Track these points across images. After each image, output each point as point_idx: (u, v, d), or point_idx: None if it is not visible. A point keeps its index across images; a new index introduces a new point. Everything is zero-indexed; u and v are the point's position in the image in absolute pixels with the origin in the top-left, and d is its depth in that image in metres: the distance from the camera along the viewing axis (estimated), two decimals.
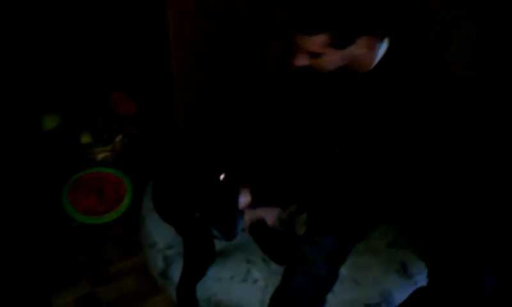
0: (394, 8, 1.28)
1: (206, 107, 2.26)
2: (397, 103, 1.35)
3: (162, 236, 1.76)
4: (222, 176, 1.50)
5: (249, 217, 1.55)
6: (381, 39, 1.30)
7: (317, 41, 1.24)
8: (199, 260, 1.60)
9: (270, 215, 1.56)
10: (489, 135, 1.79)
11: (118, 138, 2.34)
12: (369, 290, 1.52)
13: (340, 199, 1.50)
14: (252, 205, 1.54)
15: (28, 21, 2.27)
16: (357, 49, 1.28)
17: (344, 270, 1.51)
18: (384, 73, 1.35)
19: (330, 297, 1.47)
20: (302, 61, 1.31)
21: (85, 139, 2.42)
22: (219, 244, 1.63)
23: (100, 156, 2.37)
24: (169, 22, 2.02)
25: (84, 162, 2.33)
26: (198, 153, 1.72)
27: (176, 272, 1.65)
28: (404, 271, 1.55)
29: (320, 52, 1.27)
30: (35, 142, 2.38)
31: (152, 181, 1.85)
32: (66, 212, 2.10)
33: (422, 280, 1.50)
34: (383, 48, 1.34)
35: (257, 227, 1.57)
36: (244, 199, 1.52)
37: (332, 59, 1.29)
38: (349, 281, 1.52)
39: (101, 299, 1.82)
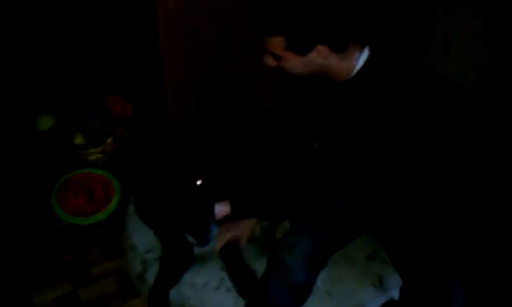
0: (345, 20, 1.29)
1: (198, 111, 2.25)
2: (375, 111, 1.34)
3: (142, 239, 1.76)
4: (199, 182, 1.49)
5: (222, 237, 1.55)
6: (337, 51, 1.30)
7: (274, 43, 1.29)
8: (175, 264, 1.59)
9: (246, 227, 1.54)
10: (474, 142, 1.75)
11: (110, 140, 2.36)
12: (342, 302, 1.49)
13: (319, 202, 1.48)
14: (231, 217, 1.53)
15: (25, 23, 2.30)
16: (318, 57, 1.30)
17: (318, 280, 1.49)
18: (364, 82, 1.34)
19: None
20: (268, 61, 1.36)
21: (78, 140, 2.44)
22: (196, 250, 1.63)
23: (92, 157, 2.38)
24: (160, 22, 2.03)
25: (75, 163, 2.35)
26: (181, 157, 1.72)
27: (153, 275, 1.64)
28: (380, 285, 1.51)
29: (279, 54, 1.31)
30: (30, 142, 2.41)
31: (134, 183, 1.85)
32: (55, 212, 2.13)
33: (397, 294, 1.46)
34: (362, 57, 1.34)
35: (228, 250, 1.57)
36: (222, 209, 1.51)
37: (294, 63, 1.32)
38: (322, 292, 1.49)
39: (81, 299, 1.83)
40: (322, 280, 1.50)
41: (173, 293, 1.59)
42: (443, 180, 1.46)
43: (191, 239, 1.49)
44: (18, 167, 2.28)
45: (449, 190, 1.49)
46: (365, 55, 1.34)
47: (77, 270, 1.93)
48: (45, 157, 2.36)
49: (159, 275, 1.60)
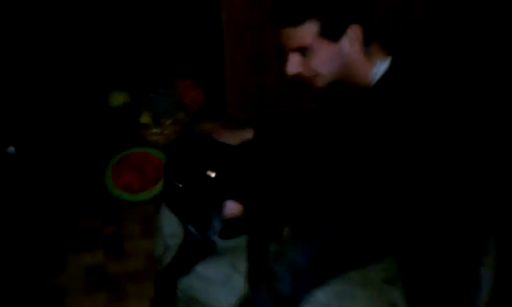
0: None
1: (254, 105, 2.24)
2: (390, 125, 1.22)
3: (169, 223, 1.77)
4: (212, 174, 1.46)
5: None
6: (369, 37, 1.20)
7: (305, 32, 1.16)
8: (191, 253, 1.58)
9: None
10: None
11: (170, 123, 2.42)
12: None
13: (316, 213, 1.38)
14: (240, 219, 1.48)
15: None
16: (348, 45, 1.19)
17: (323, 296, 1.38)
18: (385, 91, 1.22)
19: None
20: (294, 65, 1.23)
21: (144, 119, 2.54)
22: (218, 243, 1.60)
23: (152, 138, 2.47)
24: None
25: (136, 141, 2.45)
26: (205, 149, 1.69)
27: (167, 259, 1.65)
28: None
29: (310, 45, 1.18)
30: (100, 116, 2.57)
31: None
32: (106, 184, 2.24)
33: None
34: (383, 65, 1.22)
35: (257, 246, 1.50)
36: (233, 207, 1.46)
37: (326, 54, 1.20)
38: None
39: (109, 271, 1.90)
40: (326, 296, 1.40)
41: (182, 282, 1.60)
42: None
43: (192, 230, 1.47)
44: (84, 138, 2.44)
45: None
46: (386, 63, 1.22)
47: (113, 243, 2.01)
48: (111, 131, 2.50)
49: (173, 260, 1.60)
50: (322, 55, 1.20)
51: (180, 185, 1.46)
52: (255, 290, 1.36)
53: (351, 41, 1.19)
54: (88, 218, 2.13)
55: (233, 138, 1.62)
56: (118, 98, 2.59)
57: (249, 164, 1.59)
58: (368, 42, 1.22)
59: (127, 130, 2.51)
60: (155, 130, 2.42)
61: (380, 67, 1.23)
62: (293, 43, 1.20)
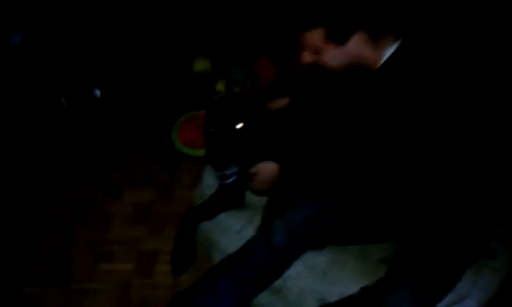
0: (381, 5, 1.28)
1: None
2: (402, 98, 1.26)
3: (209, 175, 1.94)
4: (239, 125, 1.58)
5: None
6: (374, 38, 1.28)
7: (314, 36, 1.29)
8: (219, 201, 1.72)
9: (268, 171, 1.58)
10: None
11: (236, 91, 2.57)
12: (331, 287, 1.42)
13: (328, 182, 1.44)
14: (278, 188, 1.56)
15: None
16: (356, 47, 1.29)
17: (320, 260, 1.44)
18: (389, 71, 1.29)
19: (293, 278, 1.43)
20: (306, 57, 1.36)
21: (219, 86, 2.72)
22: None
23: None
24: None
25: (207, 104, 2.63)
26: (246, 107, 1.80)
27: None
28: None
29: (319, 46, 1.31)
30: (184, 80, 2.80)
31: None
32: (172, 139, 2.46)
33: None
34: (392, 49, 1.30)
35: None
36: (268, 169, 1.55)
37: (332, 54, 1.31)
38: (318, 270, 1.44)
39: (155, 209, 2.13)
40: (324, 260, 1.46)
41: (204, 226, 1.74)
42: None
43: (211, 169, 1.61)
44: (165, 97, 2.69)
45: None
46: (394, 47, 1.29)
47: (165, 187, 2.23)
48: (188, 93, 2.73)
49: (199, 205, 1.75)
50: (330, 54, 1.32)
51: (210, 131, 1.62)
52: (254, 238, 1.46)
53: (357, 43, 1.29)
54: (150, 163, 2.37)
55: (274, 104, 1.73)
56: (200, 64, 2.80)
57: (278, 127, 1.69)
58: (377, 37, 1.29)
59: (202, 93, 2.71)
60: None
61: (389, 51, 1.29)
62: (306, 43, 1.33)
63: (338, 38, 1.28)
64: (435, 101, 1.23)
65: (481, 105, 1.25)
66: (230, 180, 1.58)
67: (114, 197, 2.18)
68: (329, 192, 1.44)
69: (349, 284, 1.38)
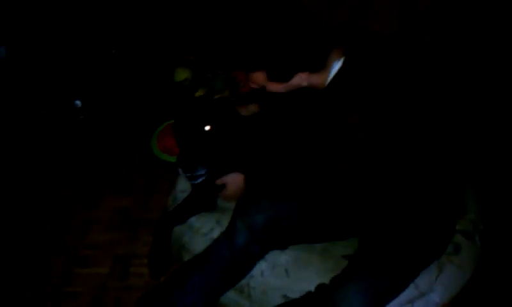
0: (322, 42, 1.30)
1: None
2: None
3: (182, 180, 1.99)
4: (207, 127, 1.64)
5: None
6: (317, 71, 1.32)
7: (257, 77, 1.35)
8: (192, 205, 1.77)
9: (235, 182, 1.63)
10: None
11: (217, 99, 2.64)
12: (294, 285, 1.46)
13: (289, 185, 1.50)
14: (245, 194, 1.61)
15: None
16: (300, 80, 1.33)
17: (283, 258, 1.49)
18: (337, 88, 1.34)
19: (256, 276, 1.49)
20: (253, 85, 1.40)
21: (198, 94, 2.79)
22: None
23: None
24: None
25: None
26: (211, 108, 1.85)
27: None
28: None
29: (263, 84, 1.36)
30: (165, 90, 2.86)
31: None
32: (150, 145, 2.52)
33: None
34: (337, 65, 1.34)
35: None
36: (235, 180, 1.61)
37: (278, 87, 1.36)
38: (280, 269, 1.49)
39: (133, 215, 2.19)
40: (286, 258, 1.51)
41: (176, 230, 1.78)
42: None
43: (180, 171, 1.66)
44: (146, 106, 2.76)
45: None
46: (341, 61, 1.33)
47: (143, 192, 2.29)
48: (169, 102, 2.79)
49: (172, 210, 1.80)
50: (275, 87, 1.37)
51: (179, 131, 1.68)
52: (217, 240, 1.51)
53: (300, 77, 1.33)
54: (129, 170, 2.43)
55: (244, 111, 1.79)
56: (181, 74, 2.87)
57: (245, 131, 1.75)
58: (320, 68, 1.33)
59: (183, 102, 2.78)
60: None
61: (335, 66, 1.33)
62: (250, 78, 1.38)
63: (280, 79, 1.33)
64: (382, 110, 1.28)
65: (427, 108, 1.30)
66: (199, 180, 1.63)
67: (93, 204, 2.23)
68: (287, 194, 1.50)
69: (312, 281, 1.43)
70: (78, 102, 2.57)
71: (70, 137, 2.59)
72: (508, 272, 1.57)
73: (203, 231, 1.70)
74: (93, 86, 2.68)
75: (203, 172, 1.62)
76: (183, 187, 1.92)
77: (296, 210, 1.47)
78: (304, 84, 1.34)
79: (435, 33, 2.09)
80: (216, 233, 1.66)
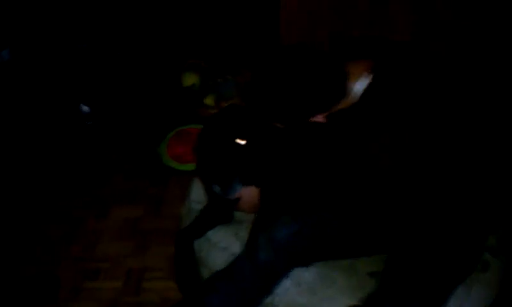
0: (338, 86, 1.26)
1: None
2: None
3: (197, 190, 1.92)
4: (243, 142, 1.57)
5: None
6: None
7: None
8: (210, 217, 1.71)
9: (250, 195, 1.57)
10: None
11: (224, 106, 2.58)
12: (319, 303, 1.40)
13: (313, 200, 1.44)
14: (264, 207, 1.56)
15: None
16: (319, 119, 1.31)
17: (308, 276, 1.43)
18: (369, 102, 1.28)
19: (281, 295, 1.42)
20: None
21: (208, 100, 2.73)
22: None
23: None
24: None
25: (197, 119, 2.64)
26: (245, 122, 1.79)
27: (187, 222, 1.78)
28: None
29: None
30: (172, 94, 2.80)
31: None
32: (159, 153, 2.45)
33: None
34: (365, 82, 1.27)
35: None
36: (249, 194, 1.57)
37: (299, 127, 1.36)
38: (306, 287, 1.43)
39: (143, 226, 2.11)
40: (311, 276, 1.45)
41: (195, 244, 1.73)
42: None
43: (216, 189, 1.59)
44: (154, 113, 2.69)
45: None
46: (368, 78, 1.26)
47: (154, 202, 2.22)
48: (178, 108, 2.73)
49: (192, 222, 1.73)
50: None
51: (210, 148, 1.60)
52: (239, 257, 1.45)
53: (318, 119, 1.31)
54: (138, 178, 2.36)
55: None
56: (189, 79, 2.81)
57: (275, 144, 1.68)
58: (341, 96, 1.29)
59: (191, 108, 2.72)
60: (213, 111, 2.60)
61: (359, 85, 1.28)
62: None
63: (297, 125, 1.34)
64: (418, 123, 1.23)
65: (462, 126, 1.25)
66: (234, 196, 1.57)
67: (102, 214, 2.16)
68: (311, 209, 1.44)
69: (337, 299, 1.38)
70: (86, 108, 2.50)
71: (77, 144, 2.52)
72: None
73: (221, 246, 1.63)
74: (101, 91, 2.62)
75: (239, 188, 1.55)
76: (196, 197, 1.86)
77: (318, 224, 1.41)
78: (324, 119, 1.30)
79: (450, 42, 2.06)
80: (234, 247, 1.60)
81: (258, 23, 2.73)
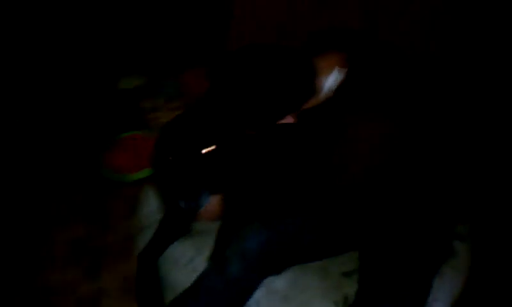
0: None
1: None
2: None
3: (148, 203, 1.80)
4: (204, 150, 1.46)
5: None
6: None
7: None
8: (169, 231, 1.59)
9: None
10: None
11: (166, 109, 2.45)
12: None
13: (280, 205, 1.38)
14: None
15: None
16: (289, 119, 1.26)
17: (279, 283, 1.38)
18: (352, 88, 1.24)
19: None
20: None
21: (147, 103, 2.57)
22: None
23: (155, 122, 2.49)
24: None
25: (137, 124, 2.49)
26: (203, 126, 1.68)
27: (143, 238, 1.66)
28: (343, 304, 1.35)
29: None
30: (108, 99, 2.61)
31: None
32: (99, 165, 2.29)
33: None
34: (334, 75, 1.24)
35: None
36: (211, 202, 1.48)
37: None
38: (279, 296, 1.38)
39: (90, 245, 1.95)
40: (283, 283, 1.39)
41: None
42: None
43: (182, 204, 1.48)
44: (87, 118, 2.49)
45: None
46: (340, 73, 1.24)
47: (97, 219, 2.06)
48: (114, 113, 2.55)
49: (152, 240, 1.61)
50: None
51: (171, 159, 1.47)
52: (209, 273, 1.36)
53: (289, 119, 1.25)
54: (78, 195, 2.18)
55: None
56: (130, 82, 2.63)
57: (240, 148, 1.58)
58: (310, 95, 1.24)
59: (131, 113, 2.55)
60: (157, 115, 2.46)
61: (331, 79, 1.24)
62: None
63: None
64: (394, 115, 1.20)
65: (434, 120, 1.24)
66: (202, 207, 1.47)
67: (42, 237, 1.97)
68: (280, 214, 1.38)
69: (312, 303, 1.35)
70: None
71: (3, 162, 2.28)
72: (500, 268, 1.56)
73: (182, 262, 1.54)
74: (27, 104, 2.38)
75: (208, 198, 1.45)
76: (149, 210, 1.75)
77: (290, 230, 1.36)
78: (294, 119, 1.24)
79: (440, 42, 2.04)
80: (197, 262, 1.52)
81: (200, 20, 2.61)
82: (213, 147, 1.44)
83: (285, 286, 1.40)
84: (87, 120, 2.50)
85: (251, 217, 1.40)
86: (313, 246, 1.39)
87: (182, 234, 1.58)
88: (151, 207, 1.76)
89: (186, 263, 1.54)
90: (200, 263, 1.51)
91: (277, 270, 1.37)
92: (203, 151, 1.44)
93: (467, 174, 1.32)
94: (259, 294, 1.38)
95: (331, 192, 1.34)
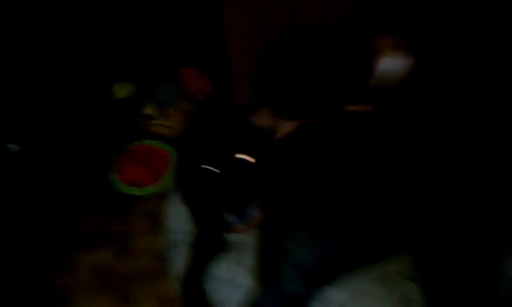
0: None
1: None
2: None
3: (175, 217, 1.71)
4: (252, 159, 1.38)
5: None
6: None
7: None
8: (207, 249, 1.51)
9: None
10: None
11: (174, 113, 2.35)
12: None
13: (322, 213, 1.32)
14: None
15: None
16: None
17: (337, 295, 1.31)
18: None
19: None
20: None
21: (148, 110, 2.47)
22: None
23: (156, 129, 2.39)
24: None
25: (139, 134, 2.38)
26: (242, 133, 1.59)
27: (174, 256, 1.59)
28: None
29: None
30: (104, 108, 2.49)
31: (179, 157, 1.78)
32: (110, 180, 2.18)
33: None
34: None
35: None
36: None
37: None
38: (337, 305, 1.33)
39: (116, 271, 1.86)
40: (342, 294, 1.32)
41: None
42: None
43: (228, 217, 1.42)
44: (85, 131, 2.38)
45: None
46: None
47: (119, 241, 1.96)
48: (113, 124, 2.44)
49: (192, 262, 1.51)
50: None
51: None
52: (264, 291, 1.29)
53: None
54: (94, 215, 2.08)
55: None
56: (122, 90, 2.52)
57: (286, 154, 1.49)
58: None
59: (130, 123, 2.44)
60: (158, 122, 2.36)
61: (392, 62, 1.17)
62: None
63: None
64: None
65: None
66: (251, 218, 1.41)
67: (65, 267, 1.87)
68: (330, 223, 1.31)
69: None
70: (13, 146, 2.14)
71: (10, 191, 2.15)
72: None
73: (225, 278, 1.47)
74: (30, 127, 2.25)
75: (255, 210, 1.38)
76: (177, 226, 1.67)
77: (339, 236, 1.30)
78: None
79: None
80: (240, 277, 1.45)
81: (187, 15, 2.50)
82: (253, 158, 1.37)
83: (346, 296, 1.33)
84: (89, 135, 2.39)
85: (294, 226, 1.33)
86: (364, 250, 1.33)
87: (220, 249, 1.50)
88: (176, 223, 1.68)
89: (229, 279, 1.47)
90: (244, 277, 1.45)
91: (330, 280, 1.32)
92: (247, 159, 1.37)
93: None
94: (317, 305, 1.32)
95: (381, 192, 1.28)
